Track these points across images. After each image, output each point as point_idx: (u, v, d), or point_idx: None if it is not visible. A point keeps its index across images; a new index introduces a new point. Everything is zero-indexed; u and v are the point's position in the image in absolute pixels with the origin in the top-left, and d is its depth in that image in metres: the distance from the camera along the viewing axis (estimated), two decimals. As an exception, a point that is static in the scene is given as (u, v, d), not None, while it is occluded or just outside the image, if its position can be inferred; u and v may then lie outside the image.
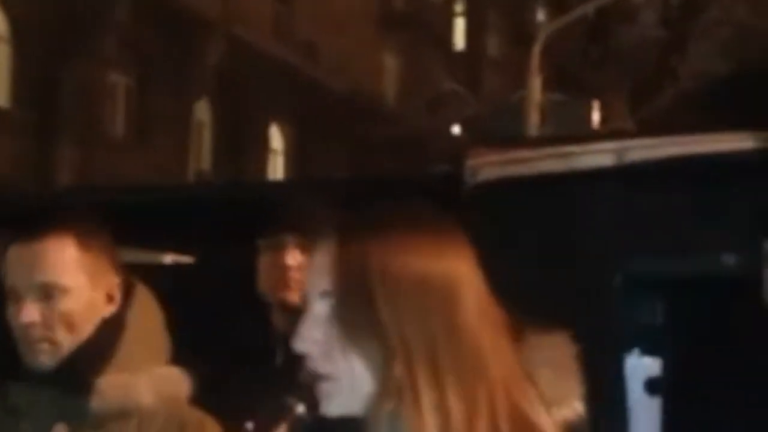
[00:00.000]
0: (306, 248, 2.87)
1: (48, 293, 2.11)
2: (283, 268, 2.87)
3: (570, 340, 1.53)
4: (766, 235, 2.73)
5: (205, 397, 2.27)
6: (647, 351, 3.49)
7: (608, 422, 3.21)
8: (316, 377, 1.43)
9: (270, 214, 2.99)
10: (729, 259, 2.89)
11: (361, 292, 1.40)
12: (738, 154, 2.89)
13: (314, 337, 1.42)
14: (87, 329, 2.13)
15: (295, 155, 25.34)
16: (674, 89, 16.45)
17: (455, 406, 1.38)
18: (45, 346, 2.11)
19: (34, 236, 2.13)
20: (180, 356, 2.28)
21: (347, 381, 1.42)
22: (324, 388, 1.42)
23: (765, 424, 3.14)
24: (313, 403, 1.43)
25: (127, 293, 2.20)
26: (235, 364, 2.92)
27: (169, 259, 5.03)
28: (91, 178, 17.36)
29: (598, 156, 3.00)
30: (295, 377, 1.84)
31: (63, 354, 2.12)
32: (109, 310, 2.16)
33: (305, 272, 2.84)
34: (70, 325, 2.12)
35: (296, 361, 2.81)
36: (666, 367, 3.42)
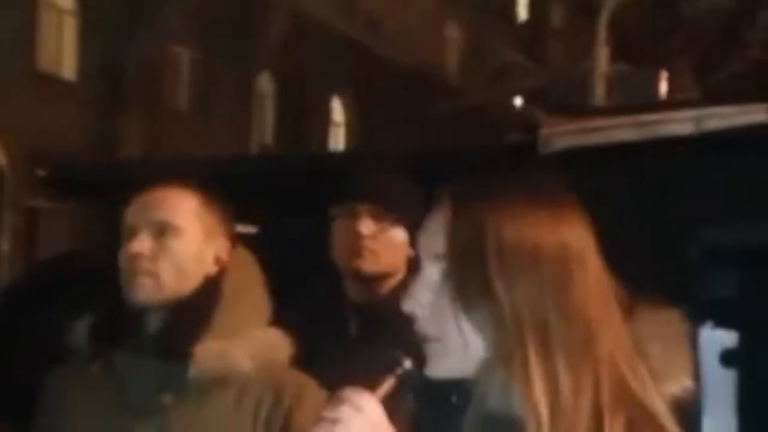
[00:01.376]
0: (379, 217, 2.87)
1: (161, 230, 2.16)
2: (357, 237, 2.87)
3: (681, 316, 1.52)
4: None
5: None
6: (723, 323, 3.45)
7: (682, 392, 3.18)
8: (425, 339, 1.43)
9: (342, 184, 2.98)
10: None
11: (474, 258, 1.40)
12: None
13: (425, 300, 1.43)
14: (191, 282, 2.15)
15: (356, 128, 25.36)
16: (742, 59, 16.21)
17: (564, 379, 1.38)
18: (148, 280, 2.13)
19: (156, 187, 2.17)
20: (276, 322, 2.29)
21: (455, 345, 1.42)
22: (431, 349, 1.43)
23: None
24: (420, 360, 1.43)
25: (230, 258, 2.22)
26: (310, 333, 2.93)
27: (243, 229, 5.06)
28: (156, 151, 17.51)
29: (676, 125, 2.96)
30: (371, 345, 1.84)
31: (163, 296, 2.13)
32: (214, 270, 2.18)
33: (378, 241, 2.87)
34: (177, 268, 2.15)
35: (370, 329, 2.83)
36: (741, 340, 3.38)
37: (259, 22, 20.96)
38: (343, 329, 2.94)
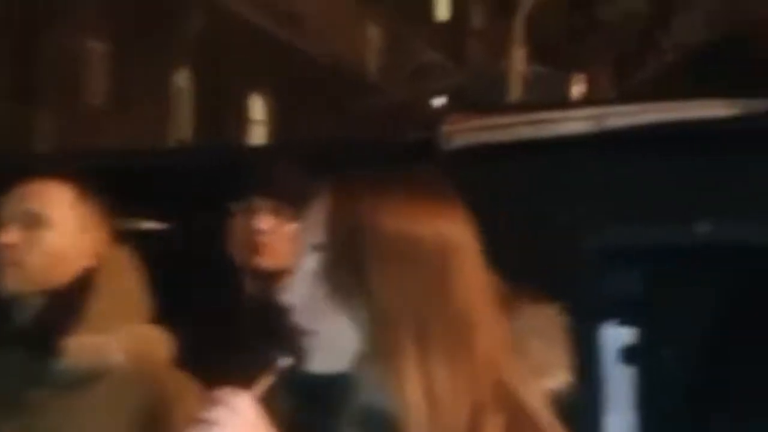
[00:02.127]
0: (278, 213, 2.84)
1: (32, 221, 2.12)
2: (254, 233, 2.84)
3: (560, 312, 1.51)
4: (739, 202, 2.72)
5: (175, 361, 2.24)
6: (623, 320, 3.48)
7: (584, 391, 3.20)
8: (300, 331, 1.41)
9: (243, 179, 2.95)
10: (704, 228, 2.87)
11: (352, 250, 1.39)
12: (714, 122, 2.87)
13: (302, 290, 1.41)
14: (64, 274, 2.11)
15: (276, 125, 25.28)
16: (657, 62, 16.46)
17: (440, 375, 1.36)
18: (15, 270, 2.10)
19: (32, 180, 2.15)
20: (161, 319, 2.26)
21: (330, 338, 1.40)
22: (308, 342, 1.41)
23: (741, 391, 3.13)
24: (298, 357, 1.41)
25: (108, 253, 2.18)
26: (207, 330, 2.90)
27: (144, 225, 5.01)
28: (69, 146, 17.28)
29: (576, 123, 2.98)
30: (266, 340, 1.81)
31: (29, 286, 2.10)
32: (90, 264, 2.14)
33: (276, 237, 2.84)
34: (47, 259, 2.11)
35: (268, 326, 2.80)
36: (641, 337, 3.41)
37: (176, 16, 20.79)
38: (240, 328, 2.91)
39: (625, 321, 3.36)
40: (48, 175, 2.18)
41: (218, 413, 1.35)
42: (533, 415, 1.40)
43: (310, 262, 1.41)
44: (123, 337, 2.13)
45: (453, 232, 1.41)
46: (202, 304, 3.00)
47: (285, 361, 1.40)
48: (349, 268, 1.39)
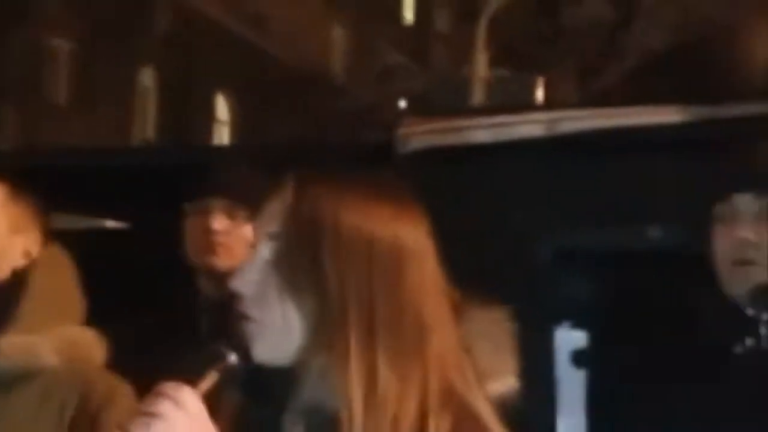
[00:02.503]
0: (233, 213, 2.85)
1: None
2: (209, 233, 2.85)
3: (506, 316, 1.53)
4: (689, 208, 2.74)
5: (128, 361, 2.24)
6: (575, 324, 3.50)
7: (535, 394, 3.22)
8: (245, 319, 1.42)
9: (199, 179, 2.96)
10: (655, 233, 2.90)
11: (308, 240, 1.41)
12: (666, 127, 2.90)
13: (253, 278, 1.42)
14: None
15: (240, 125, 25.21)
16: (620, 67, 16.55)
17: (385, 375, 1.37)
18: None
19: None
20: (102, 319, 2.25)
21: (276, 327, 1.41)
22: (251, 330, 1.41)
23: (691, 399, 3.16)
24: (245, 353, 1.42)
25: (42, 253, 2.16)
26: (161, 329, 2.90)
27: (105, 224, 5.00)
28: (32, 144, 17.16)
29: (529, 126, 2.99)
30: (216, 338, 1.82)
31: None
32: (21, 264, 2.13)
33: (231, 237, 2.85)
34: None
35: (222, 326, 2.81)
36: (593, 340, 3.44)
37: (142, 15, 20.70)
38: (195, 328, 2.91)
39: (577, 324, 3.39)
40: None
41: (162, 406, 1.36)
42: (480, 419, 1.42)
43: (265, 251, 1.42)
44: (55, 337, 2.12)
45: (409, 235, 1.44)
46: (157, 303, 3.00)
47: (232, 358, 1.42)
48: (302, 260, 1.40)
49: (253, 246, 1.45)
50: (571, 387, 3.37)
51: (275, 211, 1.44)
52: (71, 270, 2.21)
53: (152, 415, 1.36)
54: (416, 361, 1.39)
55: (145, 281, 3.20)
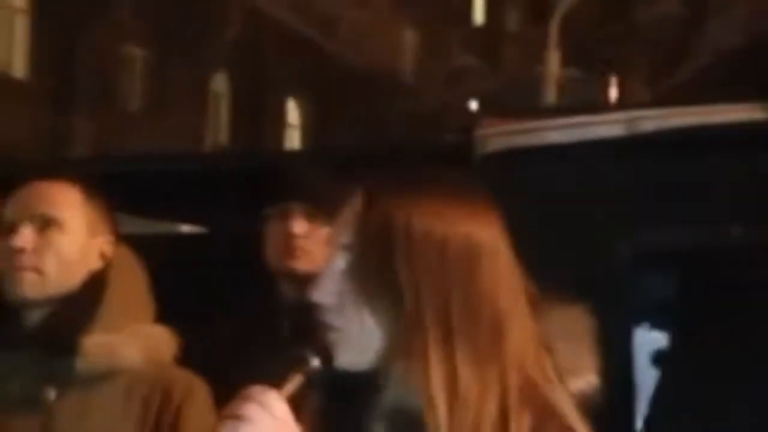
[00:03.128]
0: (313, 217, 2.86)
1: (45, 224, 2.12)
2: (289, 237, 2.86)
3: (586, 313, 1.53)
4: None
5: (210, 364, 2.26)
6: (656, 324, 3.48)
7: (616, 394, 3.20)
8: (327, 329, 1.43)
9: (278, 183, 2.98)
10: (737, 231, 2.87)
11: (381, 248, 1.41)
12: (747, 125, 2.87)
13: (331, 289, 1.44)
14: (75, 278, 2.13)
15: (312, 130, 25.33)
16: (692, 66, 16.37)
17: (465, 375, 1.38)
18: (32, 275, 2.10)
19: (37, 181, 2.16)
20: (182, 323, 2.28)
21: (356, 335, 1.42)
22: (333, 339, 1.43)
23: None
24: (327, 357, 1.43)
25: (114, 255, 2.20)
26: (242, 333, 2.92)
27: (183, 228, 5.05)
28: (106, 151, 17.39)
29: (608, 126, 2.98)
30: (299, 341, 1.84)
31: (47, 291, 2.11)
32: (98, 266, 2.17)
33: (312, 241, 2.87)
34: (61, 263, 2.12)
35: (304, 330, 2.83)
36: (674, 341, 3.41)
37: (213, 21, 20.89)
38: (276, 331, 2.93)
39: (658, 324, 3.37)
40: (53, 177, 2.18)
41: (248, 409, 1.37)
42: (562, 416, 1.41)
43: (340, 262, 1.44)
44: (135, 336, 2.16)
45: (482, 233, 1.44)
46: (239, 307, 3.03)
47: (315, 362, 1.43)
48: (376, 268, 1.42)
49: (328, 256, 1.46)
50: (652, 387, 3.35)
51: (347, 221, 1.45)
52: (142, 270, 2.25)
53: (239, 417, 1.37)
54: (495, 359, 1.40)
55: (226, 286, 3.23)
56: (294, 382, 1.42)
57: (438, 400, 1.37)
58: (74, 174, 2.24)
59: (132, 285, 2.22)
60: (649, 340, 3.37)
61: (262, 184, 2.95)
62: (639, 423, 3.31)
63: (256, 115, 22.99)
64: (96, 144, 18.00)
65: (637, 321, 3.28)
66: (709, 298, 3.16)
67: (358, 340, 1.43)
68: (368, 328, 1.42)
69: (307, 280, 2.87)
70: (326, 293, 1.45)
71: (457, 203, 1.45)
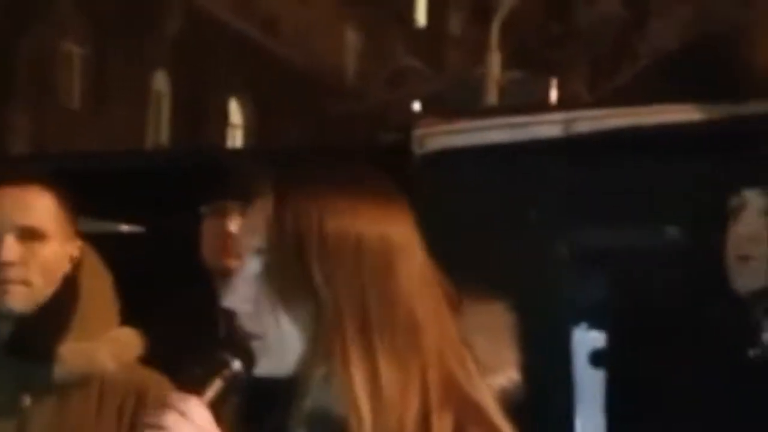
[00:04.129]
0: (250, 215, 2.85)
1: (30, 236, 2.09)
2: (225, 235, 2.85)
3: (506, 309, 1.52)
4: (710, 206, 2.74)
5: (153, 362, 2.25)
6: (592, 323, 3.50)
7: (553, 393, 3.22)
8: (247, 336, 1.40)
9: (214, 181, 2.96)
10: (673, 232, 2.90)
11: (294, 251, 1.38)
12: (683, 126, 2.90)
13: (245, 295, 1.40)
14: (54, 285, 2.11)
15: (254, 130, 25.24)
16: (633, 67, 16.53)
17: (386, 374, 1.36)
18: (20, 288, 2.08)
19: (14, 183, 2.11)
20: (132, 321, 2.26)
21: (275, 341, 1.39)
22: (253, 346, 1.40)
23: (708, 398, 3.15)
24: (249, 361, 1.40)
25: (80, 259, 2.17)
26: (180, 333, 2.90)
27: (121, 227, 5.01)
28: (46, 149, 17.20)
29: (546, 127, 3.00)
30: (225, 344, 1.82)
31: (35, 302, 2.09)
32: (70, 270, 2.14)
33: (248, 239, 2.85)
34: (46, 273, 2.10)
35: (230, 328, 2.81)
36: (611, 340, 3.43)
37: (155, 18, 20.74)
38: (212, 332, 2.91)
39: (594, 324, 3.39)
40: (25, 179, 2.15)
41: (168, 419, 1.34)
42: (484, 412, 1.40)
43: (254, 266, 1.40)
44: (109, 341, 2.14)
45: (396, 230, 1.41)
46: (174, 306, 3.01)
47: (237, 366, 1.39)
48: (291, 271, 1.38)
49: (240, 262, 1.42)
50: (590, 387, 3.37)
51: (257, 223, 1.41)
52: (108, 273, 2.23)
53: (159, 428, 1.34)
54: (415, 357, 1.38)
55: (165, 286, 3.21)
56: (215, 388, 1.38)
57: (361, 401, 1.36)
58: (14, 173, 2.20)
59: (101, 288, 2.20)
60: (586, 339, 3.39)
61: (198, 182, 2.93)
62: (578, 423, 3.33)
63: (198, 115, 22.86)
64: (35, 142, 17.80)
65: (575, 321, 3.30)
66: (645, 298, 3.18)
67: (278, 345, 1.40)
68: (287, 333, 1.39)
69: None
70: (241, 300, 1.40)
71: (371, 202, 1.41)
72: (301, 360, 1.40)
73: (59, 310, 2.11)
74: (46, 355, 2.08)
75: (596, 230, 3.04)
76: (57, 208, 2.14)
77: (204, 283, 2.98)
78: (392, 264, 1.40)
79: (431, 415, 1.37)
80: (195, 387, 1.37)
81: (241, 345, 1.40)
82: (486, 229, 3.04)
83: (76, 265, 2.15)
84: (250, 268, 1.41)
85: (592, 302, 3.35)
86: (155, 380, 2.15)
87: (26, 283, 2.08)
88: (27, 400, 2.09)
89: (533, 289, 3.00)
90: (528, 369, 1.52)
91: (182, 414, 1.34)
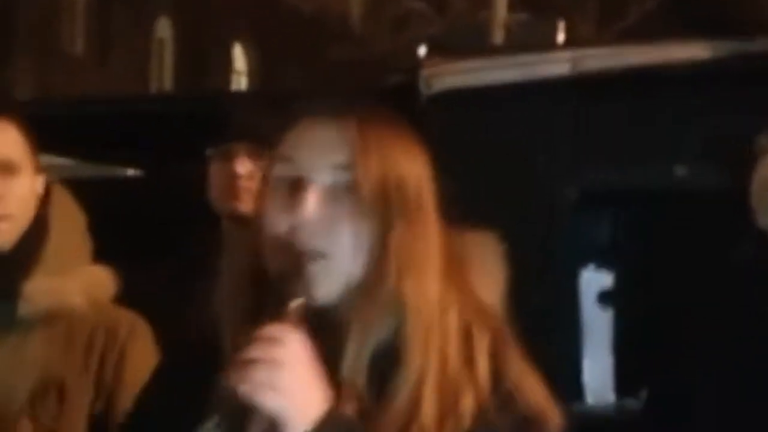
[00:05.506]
0: (257, 157, 2.83)
1: (4, 169, 2.06)
2: (233, 177, 2.83)
3: (497, 239, 1.52)
4: (716, 145, 2.72)
5: (149, 304, 2.24)
6: (601, 264, 3.49)
7: (561, 334, 3.22)
8: (310, 256, 1.38)
9: (221, 124, 2.94)
10: (681, 171, 2.88)
11: (378, 170, 1.40)
12: (692, 64, 2.87)
13: (318, 210, 1.39)
14: (26, 221, 2.09)
15: (258, 76, 25.15)
16: (641, 8, 16.41)
17: (433, 294, 1.40)
18: (3, 225, 2.05)
19: None
20: (124, 265, 2.25)
21: (340, 260, 1.39)
22: (314, 268, 1.38)
23: (716, 337, 3.14)
24: (308, 288, 1.37)
25: (47, 195, 2.15)
26: (186, 275, 2.90)
27: (126, 172, 5.00)
28: (49, 94, 17.16)
29: (554, 65, 2.97)
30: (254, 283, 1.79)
31: (14, 237, 2.06)
32: (39, 206, 2.12)
33: (255, 181, 2.83)
34: (23, 208, 2.07)
35: (249, 269, 2.80)
36: (619, 280, 3.42)
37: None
38: (217, 274, 2.90)
39: (603, 265, 3.37)
40: None
41: (275, 350, 1.31)
42: (509, 334, 1.43)
43: (329, 179, 1.40)
44: (78, 278, 2.12)
45: (421, 166, 1.44)
46: (183, 249, 3.00)
47: (299, 297, 1.37)
48: (372, 186, 1.39)
49: (315, 174, 1.41)
50: (598, 328, 3.37)
51: (340, 139, 1.40)
52: (80, 211, 2.20)
53: (269, 361, 1.30)
54: (447, 275, 1.42)
55: (171, 228, 3.20)
56: (291, 316, 1.36)
57: (414, 315, 1.38)
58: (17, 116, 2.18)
59: (71, 224, 2.17)
60: (594, 280, 3.38)
61: (205, 125, 2.91)
62: (585, 363, 3.33)
63: (202, 62, 22.77)
64: (38, 87, 17.75)
65: (583, 262, 3.29)
66: (654, 239, 3.17)
67: (341, 265, 1.39)
68: (350, 253, 1.39)
69: (249, 221, 2.85)
70: (312, 214, 1.38)
71: (403, 138, 1.44)
72: (359, 283, 1.39)
73: (27, 246, 2.08)
74: (11, 293, 2.05)
75: (605, 171, 3.02)
76: (24, 142, 2.10)
77: (207, 226, 2.97)
78: (425, 200, 1.44)
79: (472, 335, 1.40)
80: (273, 319, 1.34)
81: (301, 272, 1.37)
82: (494, 169, 3.03)
83: (45, 201, 2.13)
84: (324, 182, 1.40)
85: (601, 243, 3.34)
86: (127, 318, 2.13)
87: (9, 218, 2.05)
88: None
89: (540, 229, 2.99)
90: (536, 310, 1.52)
91: (283, 343, 1.31)
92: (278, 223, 1.41)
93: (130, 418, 1.58)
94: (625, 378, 3.42)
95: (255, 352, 1.31)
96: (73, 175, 2.71)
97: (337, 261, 1.39)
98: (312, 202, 1.39)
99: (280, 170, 1.44)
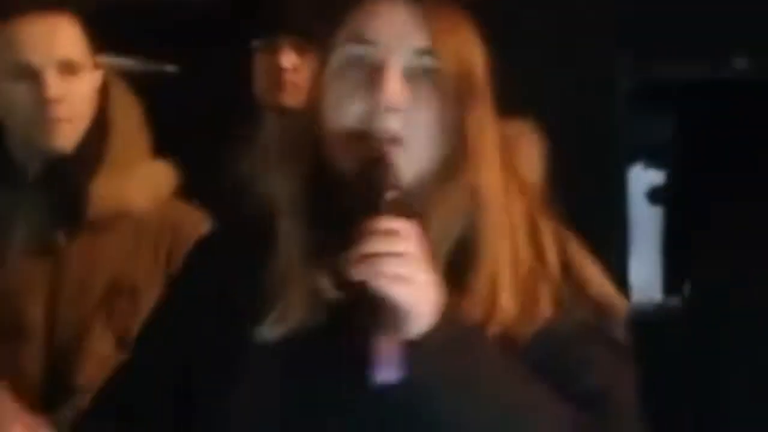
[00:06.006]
0: (302, 50, 2.79)
1: (66, 68, 2.03)
2: (278, 71, 2.79)
3: (536, 129, 1.48)
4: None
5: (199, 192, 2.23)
6: (654, 161, 3.45)
7: (611, 230, 3.19)
8: (389, 143, 1.34)
9: (267, 16, 2.90)
10: (741, 64, 2.81)
11: (456, 55, 1.37)
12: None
13: (403, 93, 1.35)
14: (88, 120, 2.07)
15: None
16: None
17: (500, 183, 1.38)
18: (67, 126, 2.03)
19: (40, 13, 2.04)
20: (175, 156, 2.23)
21: (418, 147, 1.35)
22: (395, 156, 1.34)
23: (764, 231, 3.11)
24: (392, 183, 1.34)
25: (105, 90, 2.12)
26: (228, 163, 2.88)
27: (168, 67, 4.96)
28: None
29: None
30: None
31: (77, 137, 2.04)
32: (99, 102, 2.10)
33: (301, 74, 2.79)
34: (84, 108, 2.05)
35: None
36: (669, 177, 3.38)
37: None
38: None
39: (656, 162, 3.33)
40: (51, 9, 2.05)
41: (398, 243, 1.26)
42: (570, 237, 1.42)
43: (414, 62, 1.36)
44: (140, 175, 2.11)
45: (484, 50, 1.41)
46: (228, 144, 2.98)
47: (394, 191, 1.33)
48: (457, 68, 1.37)
49: (395, 58, 1.36)
50: (647, 224, 3.34)
51: (423, 24, 1.36)
52: (138, 105, 2.17)
53: (397, 254, 1.25)
54: (512, 170, 1.41)
55: (214, 121, 3.19)
56: (390, 207, 1.29)
57: (489, 205, 1.36)
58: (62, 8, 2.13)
59: (131, 120, 2.15)
60: (646, 177, 3.35)
61: (250, 16, 2.87)
62: (633, 262, 3.32)
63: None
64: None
65: (634, 158, 3.25)
66: (710, 134, 3.11)
67: (420, 150, 1.35)
68: (430, 139, 1.36)
69: (294, 114, 2.82)
70: (396, 96, 1.34)
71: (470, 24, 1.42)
72: (435, 172, 1.36)
73: (91, 144, 2.06)
74: (80, 192, 2.05)
75: (659, 65, 2.96)
76: (83, 37, 2.06)
77: (255, 119, 2.94)
78: (485, 90, 1.41)
79: (537, 223, 1.39)
80: (373, 213, 1.28)
81: (383, 165, 1.33)
82: (543, 56, 2.97)
83: (104, 97, 2.10)
84: (409, 65, 1.36)
85: (652, 139, 3.29)
86: (190, 214, 2.12)
87: (70, 120, 2.03)
88: (62, 238, 2.06)
89: (592, 124, 2.94)
90: (583, 207, 1.49)
91: (405, 235, 1.27)
92: (350, 111, 1.35)
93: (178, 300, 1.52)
94: (670, 277, 3.40)
95: (379, 245, 1.25)
96: (122, 71, 2.68)
97: (416, 148, 1.35)
98: (395, 85, 1.34)
99: (353, 53, 1.38)
